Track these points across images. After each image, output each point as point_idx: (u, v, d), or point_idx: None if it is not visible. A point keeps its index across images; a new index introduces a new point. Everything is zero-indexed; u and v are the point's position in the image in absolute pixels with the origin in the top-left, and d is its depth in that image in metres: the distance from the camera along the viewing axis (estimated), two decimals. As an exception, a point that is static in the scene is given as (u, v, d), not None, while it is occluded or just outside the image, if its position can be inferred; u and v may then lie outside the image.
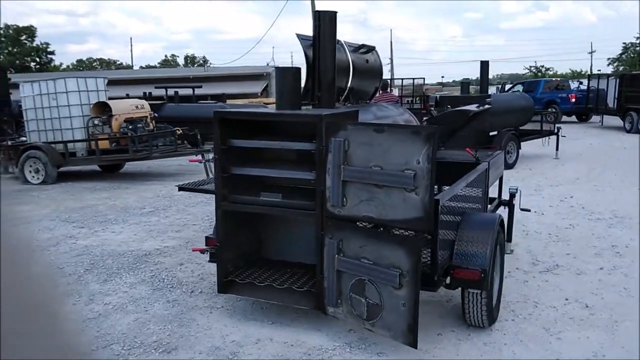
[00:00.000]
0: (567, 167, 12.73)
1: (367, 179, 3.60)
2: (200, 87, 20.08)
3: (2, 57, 49.73)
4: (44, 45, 53.45)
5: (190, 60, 70.22)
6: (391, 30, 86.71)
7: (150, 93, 17.93)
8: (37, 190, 10.74)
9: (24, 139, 12.61)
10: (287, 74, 4.28)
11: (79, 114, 11.63)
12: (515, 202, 6.26)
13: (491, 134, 13.14)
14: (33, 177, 11.65)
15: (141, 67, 53.84)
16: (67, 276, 5.54)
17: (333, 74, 4.60)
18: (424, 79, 27.55)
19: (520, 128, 14.06)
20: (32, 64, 52.41)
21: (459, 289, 4.18)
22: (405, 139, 3.43)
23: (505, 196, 6.34)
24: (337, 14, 4.63)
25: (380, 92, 13.76)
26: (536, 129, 14.50)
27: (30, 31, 52.65)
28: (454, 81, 69.65)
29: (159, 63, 68.26)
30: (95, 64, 65.50)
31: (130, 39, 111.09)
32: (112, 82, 26.58)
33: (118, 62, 64.84)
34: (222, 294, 4.60)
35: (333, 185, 3.75)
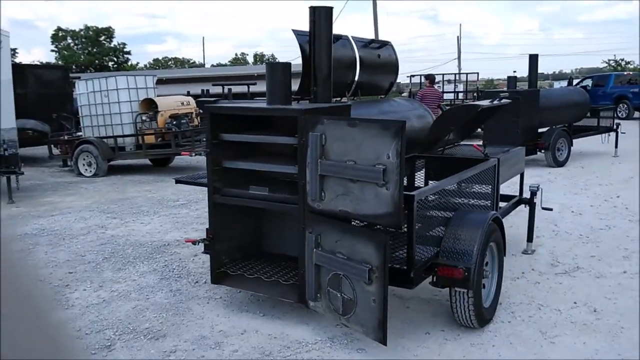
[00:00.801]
0: (623, 166, 12.07)
1: (342, 173, 3.58)
2: (255, 84, 20.47)
3: (82, 57, 52.29)
4: (121, 46, 55.86)
5: (259, 58, 71.36)
6: (460, 24, 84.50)
7: (207, 90, 18.45)
8: (87, 183, 11.31)
9: (80, 134, 13.28)
10: (277, 70, 4.31)
11: (128, 110, 12.12)
12: (536, 200, 6.03)
13: (540, 130, 12.66)
14: (86, 169, 12.27)
15: (212, 65, 55.08)
16: (86, 264, 5.82)
17: (329, 69, 4.58)
18: (477, 74, 26.87)
19: (575, 124, 13.47)
20: (110, 63, 54.90)
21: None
22: (376, 133, 3.39)
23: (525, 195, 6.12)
24: (333, 9, 4.61)
25: (427, 85, 13.89)
26: (592, 126, 13.84)
27: (108, 32, 55.14)
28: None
29: (229, 61, 69.74)
30: (170, 62, 67.67)
31: (203, 38, 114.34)
32: (176, 81, 27.51)
33: (192, 61, 66.71)
34: (223, 286, 4.70)
35: (311, 180, 3.75)
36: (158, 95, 12.85)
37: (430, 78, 13.44)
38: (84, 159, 12.29)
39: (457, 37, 56.00)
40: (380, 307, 3.42)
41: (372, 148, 3.41)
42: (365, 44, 5.72)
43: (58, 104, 14.95)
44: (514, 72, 60.27)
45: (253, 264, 4.61)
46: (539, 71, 13.46)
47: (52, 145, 13.37)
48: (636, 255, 5.92)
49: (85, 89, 12.60)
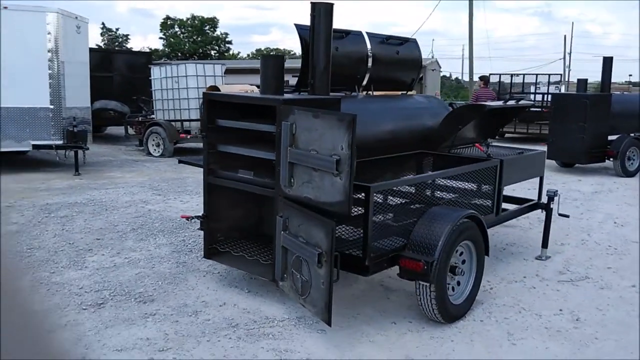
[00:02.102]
0: (699, 181, 11.23)
1: (306, 161, 3.78)
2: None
3: (187, 45, 54.83)
4: (224, 35, 58.09)
5: None
6: (572, 23, 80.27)
7: (287, 81, 19.03)
8: (150, 162, 12.14)
9: (153, 116, 14.23)
10: (269, 63, 4.56)
11: (195, 96, 12.83)
12: (553, 206, 5.90)
13: (610, 137, 12.02)
14: (154, 150, 13.15)
15: None
16: (114, 232, 6.39)
17: (326, 63, 4.74)
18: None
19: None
20: (212, 52, 57.25)
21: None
22: (333, 125, 3.56)
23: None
24: (334, 6, 4.77)
25: (481, 86, 14.29)
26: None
27: (213, 22, 57.48)
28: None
29: None
30: (272, 53, 69.39)
31: None
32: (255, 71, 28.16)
33: (292, 52, 67.97)
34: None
35: (282, 166, 3.98)
36: (225, 84, 13.47)
37: (484, 79, 14.13)
38: (153, 140, 13.16)
39: (564, 36, 53.30)
40: (327, 290, 3.60)
41: (330, 139, 3.58)
42: (382, 40, 5.82)
43: (140, 88, 16.03)
44: (630, 75, 55.89)
45: (244, 244, 4.91)
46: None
47: (128, 126, 14.42)
48: (655, 270, 5.64)
49: (158, 75, 13.47)
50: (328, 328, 4.10)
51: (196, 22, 56.78)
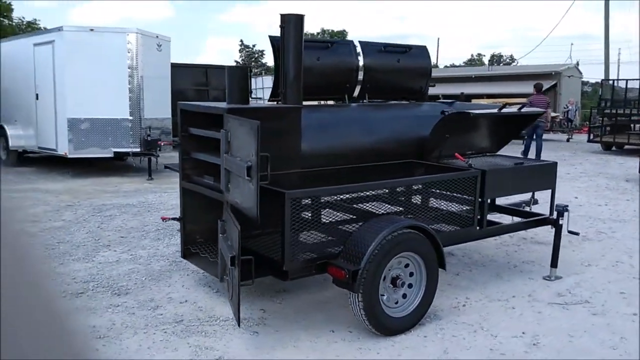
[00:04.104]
0: None
1: (233, 168, 3.95)
2: (434, 86, 20.61)
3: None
4: None
5: (496, 59, 69.32)
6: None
7: None
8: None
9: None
10: (235, 73, 4.78)
11: (271, 107, 13.40)
12: (562, 222, 5.48)
13: None
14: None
15: (445, 67, 55.05)
16: (141, 232, 6.96)
17: (296, 73, 4.84)
18: None
19: None
20: None
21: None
22: (248, 132, 3.70)
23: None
24: (305, 17, 4.88)
25: (535, 93, 14.80)
26: None
27: (342, 35, 59.21)
28: None
29: (464, 62, 69.01)
30: None
31: (438, 39, 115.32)
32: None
33: None
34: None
35: (222, 172, 4.18)
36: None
37: (537, 87, 14.77)
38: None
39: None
40: (235, 291, 3.74)
41: (247, 146, 3.73)
42: (379, 48, 5.80)
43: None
44: None
45: (214, 246, 5.15)
46: None
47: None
48: (672, 298, 5.01)
49: (261, 85, 14.26)
50: (262, 330, 4.23)
51: (326, 35, 58.69)
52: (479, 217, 5.01)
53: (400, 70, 5.90)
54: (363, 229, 4.10)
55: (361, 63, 5.59)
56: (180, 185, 5.07)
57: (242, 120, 3.84)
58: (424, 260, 4.27)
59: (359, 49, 5.60)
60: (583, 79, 34.02)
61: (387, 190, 4.65)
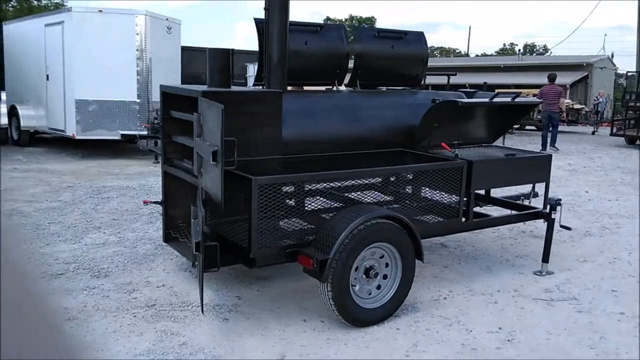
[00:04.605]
0: None
1: (203, 152, 3.88)
2: (455, 74, 20.28)
3: None
4: None
5: (529, 49, 67.87)
6: None
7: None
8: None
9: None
10: (217, 55, 4.68)
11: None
12: (555, 216, 5.31)
13: None
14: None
15: (476, 56, 54.12)
16: (135, 214, 6.97)
17: (280, 57, 4.73)
18: None
19: None
20: None
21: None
22: (215, 116, 3.62)
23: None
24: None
25: (548, 83, 15.09)
26: None
27: (370, 22, 58.63)
28: None
29: (495, 52, 67.69)
30: (435, 52, 68.29)
31: (469, 27, 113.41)
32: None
33: (457, 51, 66.29)
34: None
35: (194, 156, 4.12)
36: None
37: (550, 77, 15.01)
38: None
39: None
40: (199, 278, 3.69)
41: (214, 130, 3.65)
42: (373, 34, 5.66)
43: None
44: None
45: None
46: None
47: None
48: (664, 298, 4.82)
49: (252, 72, 14.17)
50: (232, 317, 4.18)
51: (354, 22, 58.35)
52: (464, 208, 4.87)
53: (394, 57, 5.74)
54: (336, 218, 4.01)
55: (352, 48, 5.46)
56: (162, 169, 5.03)
57: (210, 103, 3.76)
58: (399, 251, 4.17)
59: (350, 34, 5.46)
60: (618, 71, 33.13)
61: (366, 180, 4.54)
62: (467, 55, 53.83)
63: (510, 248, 6.28)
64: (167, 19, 11.72)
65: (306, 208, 4.24)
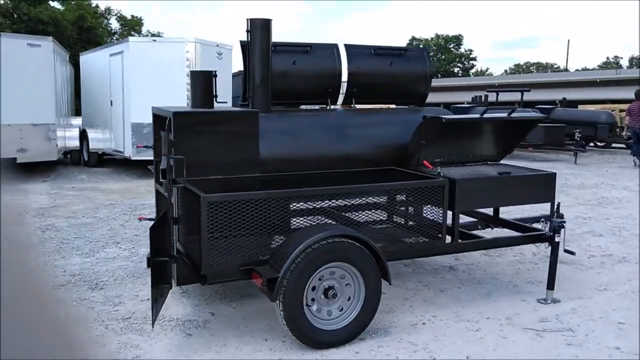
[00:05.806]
0: None
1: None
2: (529, 91, 19.54)
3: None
4: (467, 52, 58.16)
5: (636, 61, 64.07)
6: None
7: (486, 97, 18.63)
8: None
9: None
10: (199, 78, 4.84)
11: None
12: (559, 239, 4.99)
13: None
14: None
15: (576, 70, 51.98)
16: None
17: (263, 77, 4.81)
18: None
19: None
20: (456, 69, 57.72)
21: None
22: (165, 135, 3.75)
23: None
24: (271, 21, 4.84)
25: (635, 99, 14.84)
26: None
27: (457, 40, 58.07)
28: None
29: (597, 65, 64.49)
30: (531, 68, 66.26)
31: (568, 41, 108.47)
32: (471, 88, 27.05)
33: (555, 65, 63.94)
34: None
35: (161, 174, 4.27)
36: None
37: (637, 93, 14.78)
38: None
39: None
40: (151, 292, 3.79)
41: (165, 149, 3.79)
42: (369, 52, 5.62)
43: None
44: None
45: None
46: None
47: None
48: (672, 333, 4.34)
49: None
50: (196, 333, 4.26)
51: (440, 40, 57.79)
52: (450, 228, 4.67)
53: (393, 75, 5.66)
54: (292, 236, 3.99)
55: (344, 67, 5.44)
56: (155, 187, 5.24)
57: (169, 123, 3.90)
58: (360, 272, 4.06)
59: (342, 53, 5.46)
60: None
61: (344, 200, 4.47)
62: (565, 70, 51.28)
63: (526, 273, 5.91)
64: (217, 45, 12.23)
65: (269, 226, 4.24)
